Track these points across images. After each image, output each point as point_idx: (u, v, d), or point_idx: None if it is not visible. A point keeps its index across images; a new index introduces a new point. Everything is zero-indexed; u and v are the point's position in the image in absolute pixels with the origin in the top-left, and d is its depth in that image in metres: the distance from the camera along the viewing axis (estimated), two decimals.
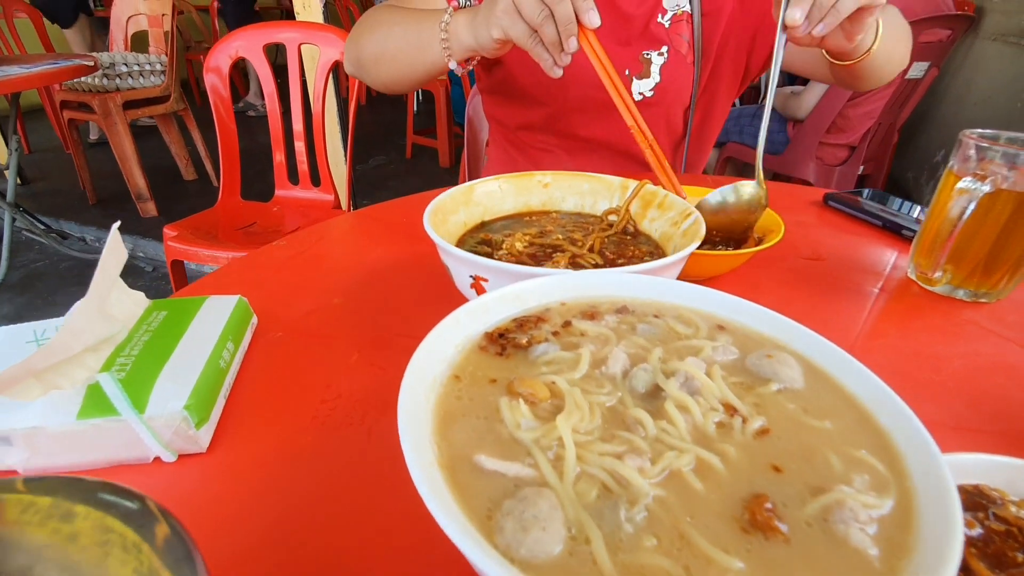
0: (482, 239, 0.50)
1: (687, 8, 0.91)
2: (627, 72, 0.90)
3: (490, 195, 0.55)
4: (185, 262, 1.61)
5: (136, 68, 2.57)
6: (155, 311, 0.42)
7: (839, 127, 1.94)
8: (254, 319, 0.48)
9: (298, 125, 1.78)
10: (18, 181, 3.07)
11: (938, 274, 0.55)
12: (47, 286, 2.31)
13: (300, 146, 1.80)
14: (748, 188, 0.58)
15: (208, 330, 0.41)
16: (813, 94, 1.93)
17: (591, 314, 0.34)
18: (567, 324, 0.33)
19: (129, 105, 2.56)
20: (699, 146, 1.04)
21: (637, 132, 0.53)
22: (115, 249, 0.38)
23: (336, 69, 1.74)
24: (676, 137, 0.99)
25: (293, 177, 1.88)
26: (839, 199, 0.79)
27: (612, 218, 0.54)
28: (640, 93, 0.92)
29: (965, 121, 2.57)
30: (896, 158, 2.33)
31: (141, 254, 2.54)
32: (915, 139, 2.93)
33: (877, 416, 0.26)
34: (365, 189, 3.18)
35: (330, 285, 0.57)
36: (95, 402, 0.34)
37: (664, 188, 0.53)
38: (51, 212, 2.75)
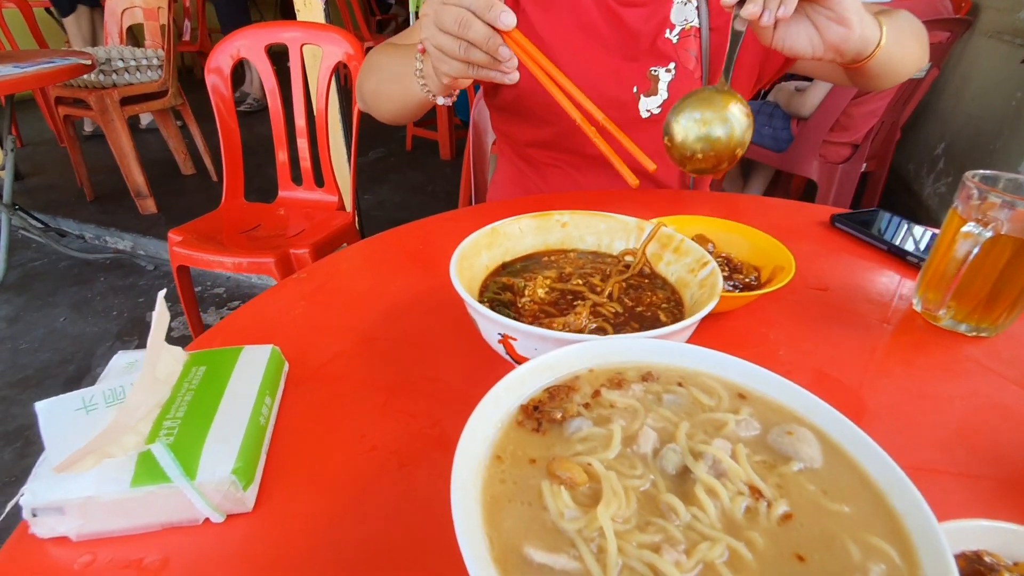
0: (504, 284, 0.52)
1: (695, 23, 0.92)
2: (635, 90, 0.91)
3: (511, 236, 0.56)
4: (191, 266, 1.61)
5: (133, 63, 2.54)
6: (194, 366, 0.44)
7: (843, 125, 1.95)
8: (286, 366, 0.49)
9: (301, 122, 1.77)
10: (15, 177, 3.05)
11: (942, 311, 0.57)
12: (46, 286, 2.31)
13: (303, 144, 1.80)
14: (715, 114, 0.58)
15: (247, 385, 0.43)
16: (818, 92, 1.94)
17: (618, 381, 0.36)
18: (596, 394, 0.35)
19: (127, 101, 2.53)
20: None
21: (583, 122, 0.53)
22: (161, 317, 0.40)
23: (339, 70, 1.73)
24: None
25: (296, 177, 1.88)
26: (846, 221, 0.81)
27: (628, 259, 0.55)
28: (648, 111, 0.92)
29: (963, 115, 2.59)
30: (897, 150, 2.34)
31: (142, 252, 2.54)
32: (915, 132, 2.94)
33: (891, 499, 0.28)
34: (365, 183, 3.17)
35: (353, 323, 0.58)
36: (147, 469, 0.36)
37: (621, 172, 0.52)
38: (48, 209, 2.74)
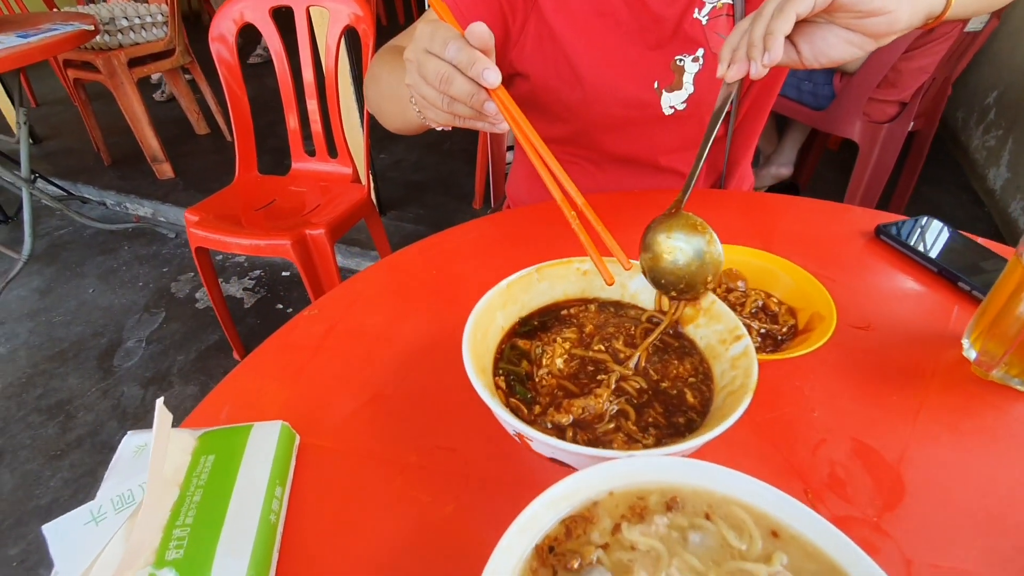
0: (521, 351, 0.49)
1: (727, 0, 0.82)
2: (656, 85, 0.83)
3: (526, 289, 0.53)
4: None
5: (137, 21, 2.45)
6: (203, 455, 0.43)
7: (890, 82, 1.80)
8: (297, 440, 0.48)
9: (310, 78, 1.69)
10: (29, 140, 3.04)
11: (996, 371, 0.53)
12: (73, 256, 2.35)
13: (313, 108, 1.73)
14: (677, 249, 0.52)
15: (257, 476, 0.42)
16: None
17: (641, 511, 0.34)
18: (617, 529, 0.33)
19: (135, 62, 2.46)
20: (743, 142, 0.97)
21: (563, 203, 0.48)
22: (163, 421, 0.38)
23: (349, 33, 1.64)
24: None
25: (309, 147, 1.83)
26: (891, 234, 0.75)
27: (656, 318, 0.52)
28: (671, 107, 0.85)
29: (1020, 63, 2.36)
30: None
31: (163, 219, 2.55)
32: (965, 79, 2.71)
33: None
34: (380, 142, 3.08)
35: (366, 375, 0.56)
36: None
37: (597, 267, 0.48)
38: (67, 175, 2.75)
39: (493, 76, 0.45)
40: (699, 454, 0.47)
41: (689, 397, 0.45)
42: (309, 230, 1.53)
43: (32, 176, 2.33)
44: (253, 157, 1.82)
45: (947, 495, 0.45)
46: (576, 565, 0.31)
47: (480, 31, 0.45)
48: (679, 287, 0.52)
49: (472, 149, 2.32)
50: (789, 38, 0.53)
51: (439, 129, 0.64)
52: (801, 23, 0.52)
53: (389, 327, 0.63)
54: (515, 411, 0.44)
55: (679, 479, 0.35)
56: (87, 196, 2.66)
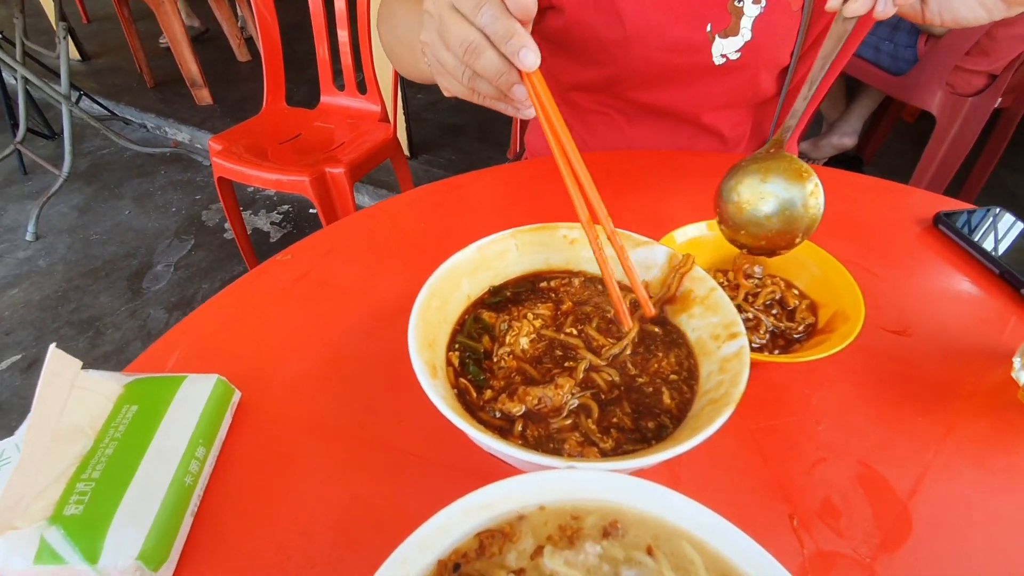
0: (484, 324, 0.44)
1: None
2: (708, 28, 0.72)
3: (502, 255, 0.47)
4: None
5: None
6: (126, 404, 0.40)
7: (982, 49, 1.57)
8: (236, 396, 0.45)
9: (342, 20, 1.61)
10: (78, 57, 3.08)
11: None
12: (113, 176, 2.40)
13: (344, 37, 1.65)
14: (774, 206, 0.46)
15: (178, 434, 0.39)
16: None
17: (571, 534, 0.29)
18: (538, 553, 0.28)
19: None
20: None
21: (588, 225, 0.40)
22: (60, 368, 0.35)
23: None
24: (762, 100, 0.81)
25: (340, 80, 1.77)
26: (952, 224, 0.64)
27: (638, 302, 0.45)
28: (722, 55, 0.74)
29: None
30: None
31: (199, 146, 2.56)
32: None
33: None
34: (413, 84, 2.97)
35: (327, 333, 0.52)
36: (50, 547, 0.33)
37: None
38: (112, 95, 2.78)
39: (532, 58, 0.36)
40: (667, 463, 0.42)
41: (666, 398, 0.39)
42: (329, 168, 1.49)
43: (75, 94, 2.36)
44: (282, 88, 1.78)
45: (960, 543, 0.38)
46: None
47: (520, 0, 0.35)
48: (759, 243, 0.45)
49: None
50: None
51: (448, 96, 0.56)
52: None
53: (362, 282, 0.58)
54: (462, 393, 0.39)
55: (624, 500, 0.30)
56: (129, 118, 2.69)
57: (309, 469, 0.42)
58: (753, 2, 0.71)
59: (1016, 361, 0.49)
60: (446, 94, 0.47)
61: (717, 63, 0.74)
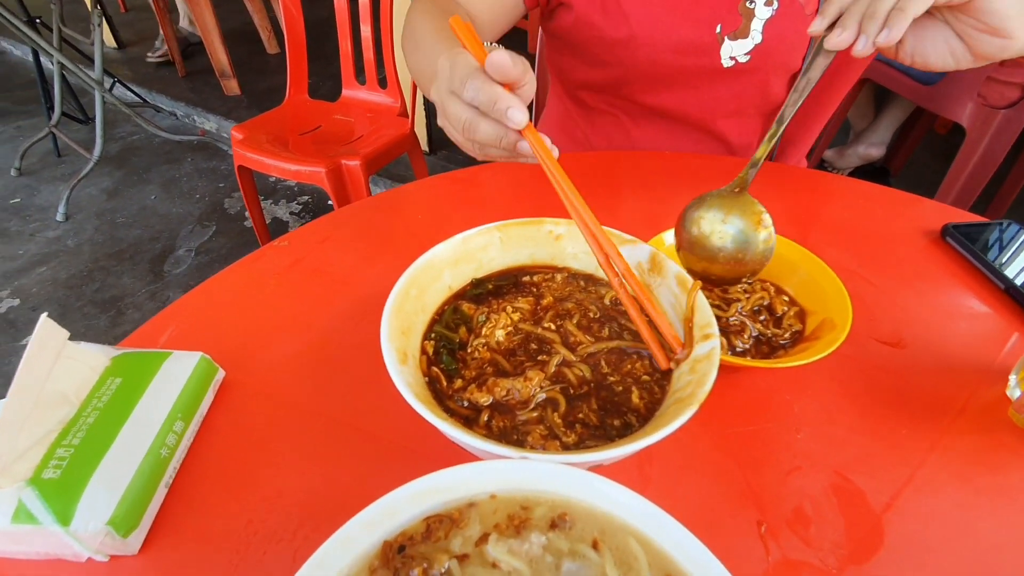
0: (463, 315, 0.44)
1: None
2: (718, 29, 0.71)
3: (485, 248, 0.47)
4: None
5: None
6: (111, 377, 0.41)
7: (1016, 60, 1.52)
8: (219, 375, 0.46)
9: (365, 15, 1.64)
10: (114, 45, 3.18)
11: None
12: (142, 161, 2.47)
13: (366, 32, 1.67)
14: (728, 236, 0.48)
15: (158, 407, 0.40)
16: None
17: (519, 524, 0.29)
18: (483, 540, 0.28)
19: None
20: (808, 115, 0.84)
21: (606, 267, 0.40)
22: (47, 335, 0.36)
23: None
24: (771, 106, 0.80)
25: (361, 74, 1.79)
26: (962, 235, 0.62)
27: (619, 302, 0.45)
28: (731, 58, 0.73)
29: None
30: None
31: (225, 135, 2.61)
32: None
33: None
34: None
35: (316, 318, 0.53)
36: (27, 507, 0.34)
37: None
38: (145, 82, 2.85)
39: (519, 116, 0.37)
40: (639, 457, 0.42)
41: (635, 397, 0.38)
42: (345, 160, 1.51)
43: (109, 81, 2.43)
44: (304, 80, 1.80)
45: (932, 560, 0.37)
46: (418, 573, 0.27)
47: (500, 61, 0.36)
48: (711, 277, 0.47)
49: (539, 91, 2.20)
50: None
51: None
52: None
53: (355, 270, 0.59)
54: (433, 381, 0.39)
55: (575, 494, 0.30)
56: (160, 105, 2.76)
57: (284, 448, 0.42)
58: (765, 4, 0.70)
59: (1012, 378, 0.47)
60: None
61: (726, 65, 0.73)
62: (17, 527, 0.34)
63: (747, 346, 0.47)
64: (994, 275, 0.58)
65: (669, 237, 0.53)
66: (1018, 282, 0.56)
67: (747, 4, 0.71)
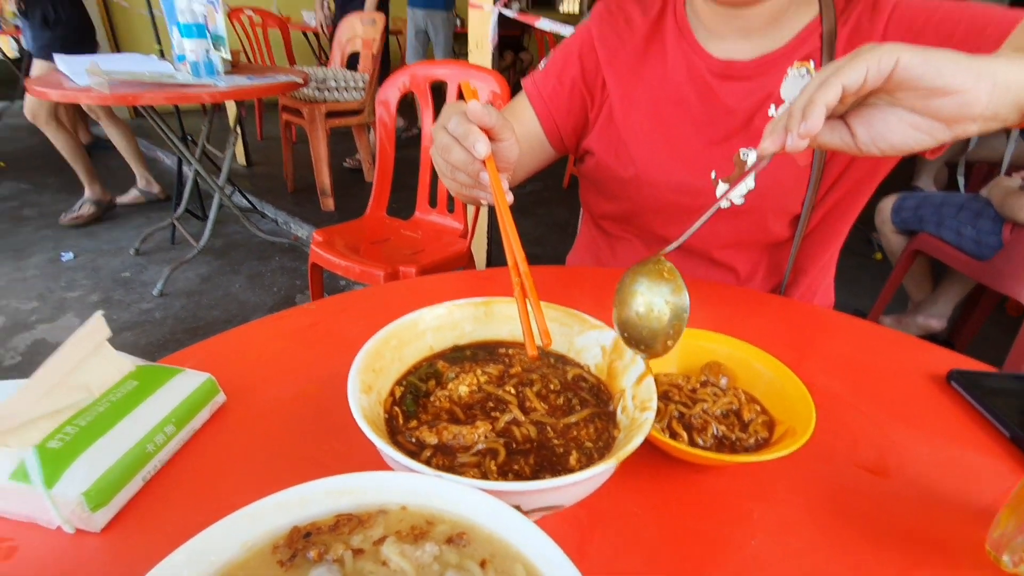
0: (436, 370, 0.48)
1: None
2: (712, 175, 0.80)
3: (471, 319, 0.53)
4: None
5: (343, 84, 2.99)
6: (128, 380, 0.48)
7: None
8: (219, 397, 0.52)
9: None
10: (244, 164, 3.78)
11: (1007, 554, 0.39)
12: (238, 256, 2.80)
13: None
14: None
15: (156, 410, 0.46)
16: None
17: (418, 534, 0.31)
18: (380, 541, 0.30)
19: (331, 115, 2.99)
20: (814, 249, 0.87)
21: (512, 270, 0.46)
22: (94, 330, 0.44)
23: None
24: (773, 242, 0.84)
25: (434, 200, 2.03)
26: (966, 382, 0.61)
27: (581, 377, 0.48)
28: (727, 199, 0.80)
29: None
30: None
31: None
32: None
33: None
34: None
35: (317, 372, 0.59)
36: (25, 468, 0.40)
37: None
38: (259, 194, 3.33)
39: (482, 147, 0.49)
40: (580, 529, 0.42)
41: (572, 459, 0.40)
42: (402, 266, 1.66)
43: (230, 188, 2.88)
44: (385, 200, 2.06)
45: None
46: (314, 555, 0.29)
47: (474, 109, 0.49)
48: (642, 342, 0.48)
49: None
50: (843, 118, 0.49)
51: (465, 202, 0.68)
52: (859, 105, 0.48)
53: (361, 337, 0.65)
54: (392, 418, 0.43)
55: (479, 518, 0.31)
56: (265, 213, 3.19)
57: (260, 474, 0.46)
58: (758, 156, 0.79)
59: (993, 535, 0.44)
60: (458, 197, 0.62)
61: (723, 206, 0.80)
62: (12, 483, 0.39)
63: (707, 444, 0.48)
64: (1000, 423, 0.56)
65: None
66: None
67: (741, 156, 0.79)
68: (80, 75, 2.01)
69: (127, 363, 0.50)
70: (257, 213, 3.18)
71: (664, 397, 0.51)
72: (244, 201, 3.15)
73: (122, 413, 0.45)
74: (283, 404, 0.54)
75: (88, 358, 0.45)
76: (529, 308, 0.44)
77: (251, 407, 0.53)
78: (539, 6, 8.72)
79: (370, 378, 0.43)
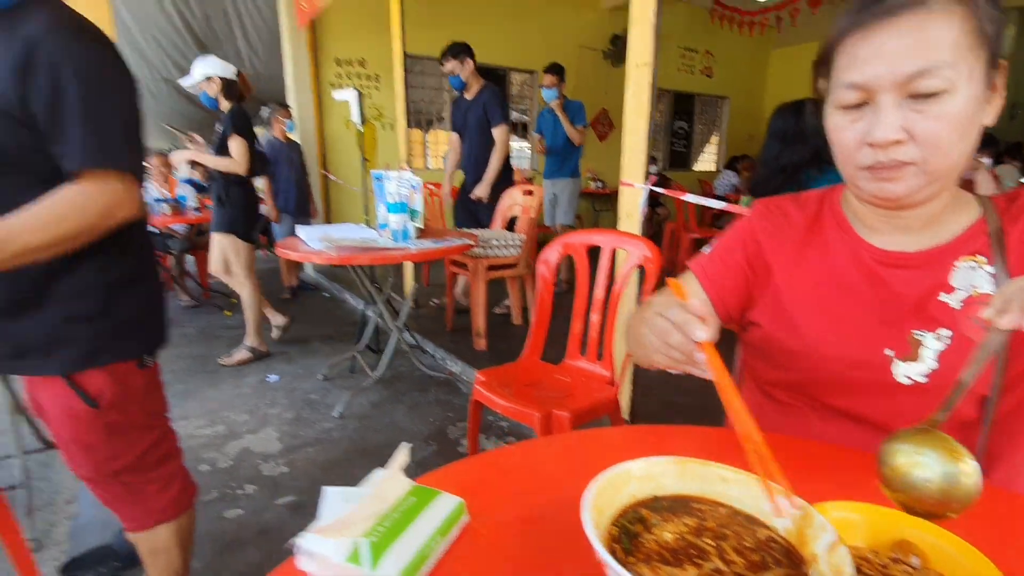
0: (641, 517, 0.59)
1: (985, 290, 0.81)
2: (887, 351, 0.84)
3: (666, 474, 0.63)
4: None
5: (504, 242, 3.46)
6: (410, 496, 0.65)
7: None
8: (465, 517, 0.67)
9: (598, 306, 2.09)
10: (413, 306, 4.35)
11: None
12: (401, 387, 3.16)
13: (595, 318, 2.10)
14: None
15: (430, 522, 0.62)
16: None
17: None
18: None
19: (491, 268, 3.43)
20: (1010, 433, 0.84)
21: (753, 456, 0.54)
22: (397, 467, 0.63)
23: (641, 270, 2.03)
24: (959, 423, 0.84)
25: (583, 349, 2.20)
26: None
27: (772, 538, 0.55)
28: (908, 376, 0.83)
29: None
30: None
31: (466, 378, 3.23)
32: None
33: None
34: None
35: (547, 498, 0.72)
36: (356, 553, 0.56)
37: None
38: (422, 332, 3.80)
39: (701, 333, 0.63)
40: None
41: None
42: (556, 410, 1.80)
43: (402, 326, 3.34)
44: (540, 347, 2.28)
45: None
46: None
47: (696, 305, 0.65)
48: (915, 506, 0.54)
49: None
50: None
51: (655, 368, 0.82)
52: None
53: (551, 476, 0.78)
54: (612, 553, 0.54)
55: None
56: (426, 349, 3.60)
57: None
58: (935, 337, 0.82)
59: None
60: (657, 366, 0.73)
61: (903, 383, 0.83)
62: (347, 564, 0.56)
63: None
64: None
65: (832, 507, 0.61)
66: None
67: (915, 336, 0.83)
68: (314, 240, 2.62)
69: (408, 483, 0.67)
70: (418, 348, 3.60)
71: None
72: (411, 339, 3.61)
73: (409, 520, 0.61)
74: (513, 527, 0.67)
75: (390, 480, 0.64)
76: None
77: (490, 528, 0.67)
78: (676, 166, 9.36)
79: (595, 516, 0.55)
